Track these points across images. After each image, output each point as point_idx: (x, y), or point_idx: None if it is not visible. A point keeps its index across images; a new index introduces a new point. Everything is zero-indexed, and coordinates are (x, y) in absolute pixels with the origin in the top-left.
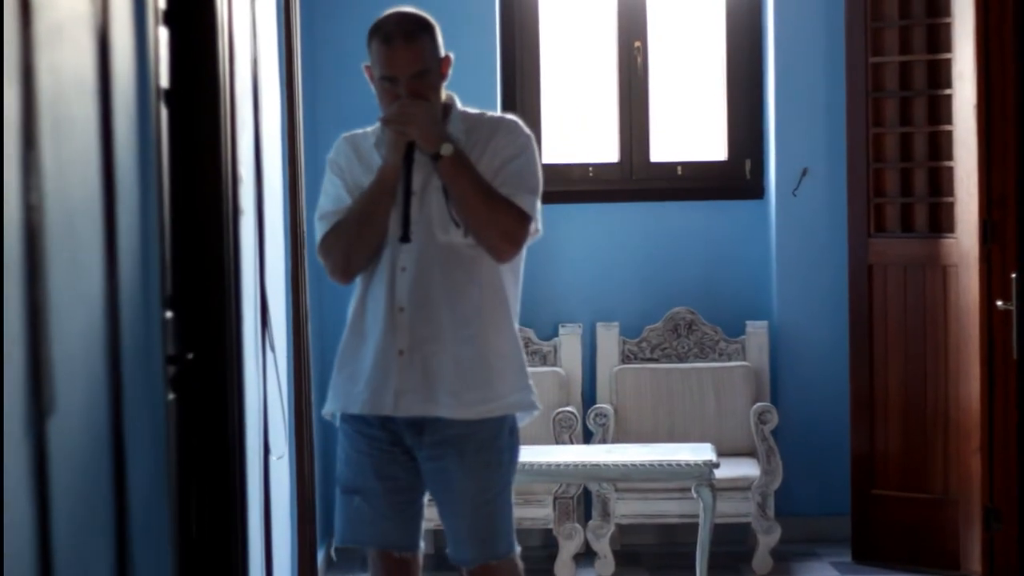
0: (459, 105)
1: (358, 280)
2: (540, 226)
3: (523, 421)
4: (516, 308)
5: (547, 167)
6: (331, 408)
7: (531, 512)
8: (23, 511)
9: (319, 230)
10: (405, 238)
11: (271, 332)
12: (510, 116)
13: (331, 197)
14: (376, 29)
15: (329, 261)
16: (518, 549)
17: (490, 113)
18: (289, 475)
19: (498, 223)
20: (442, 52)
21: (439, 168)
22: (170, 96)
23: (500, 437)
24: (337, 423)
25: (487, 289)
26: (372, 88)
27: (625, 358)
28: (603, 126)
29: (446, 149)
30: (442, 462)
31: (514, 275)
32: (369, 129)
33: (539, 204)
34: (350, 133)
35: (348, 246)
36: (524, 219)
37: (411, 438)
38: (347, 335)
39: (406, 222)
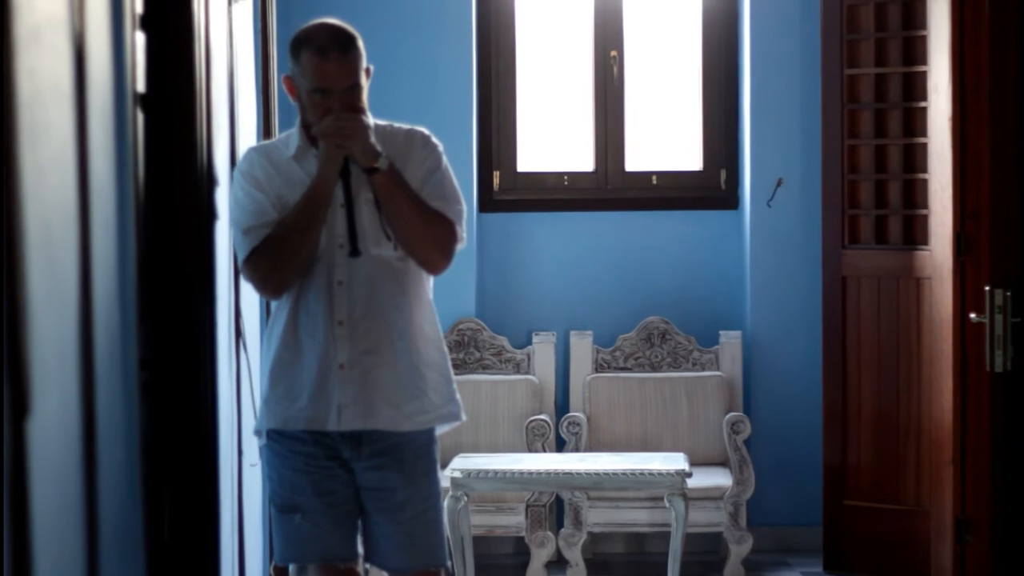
0: (370, 117)
1: (285, 294)
2: (465, 234)
3: (443, 430)
4: (437, 317)
5: (522, 175)
6: (267, 426)
7: (503, 520)
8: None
9: (245, 245)
10: (355, 252)
11: (244, 337)
12: (420, 128)
13: (252, 211)
14: (305, 40)
15: (260, 276)
16: (449, 565)
17: (397, 124)
18: (262, 483)
19: (432, 236)
20: (365, 63)
21: (375, 182)
22: (146, 101)
23: (432, 444)
24: (263, 441)
25: (415, 300)
26: (291, 99)
27: (598, 367)
28: (578, 135)
29: (382, 163)
30: (383, 472)
31: (430, 285)
32: (277, 140)
33: (464, 214)
34: (259, 144)
35: (284, 261)
36: (454, 231)
37: (348, 451)
38: (279, 350)
39: (353, 236)
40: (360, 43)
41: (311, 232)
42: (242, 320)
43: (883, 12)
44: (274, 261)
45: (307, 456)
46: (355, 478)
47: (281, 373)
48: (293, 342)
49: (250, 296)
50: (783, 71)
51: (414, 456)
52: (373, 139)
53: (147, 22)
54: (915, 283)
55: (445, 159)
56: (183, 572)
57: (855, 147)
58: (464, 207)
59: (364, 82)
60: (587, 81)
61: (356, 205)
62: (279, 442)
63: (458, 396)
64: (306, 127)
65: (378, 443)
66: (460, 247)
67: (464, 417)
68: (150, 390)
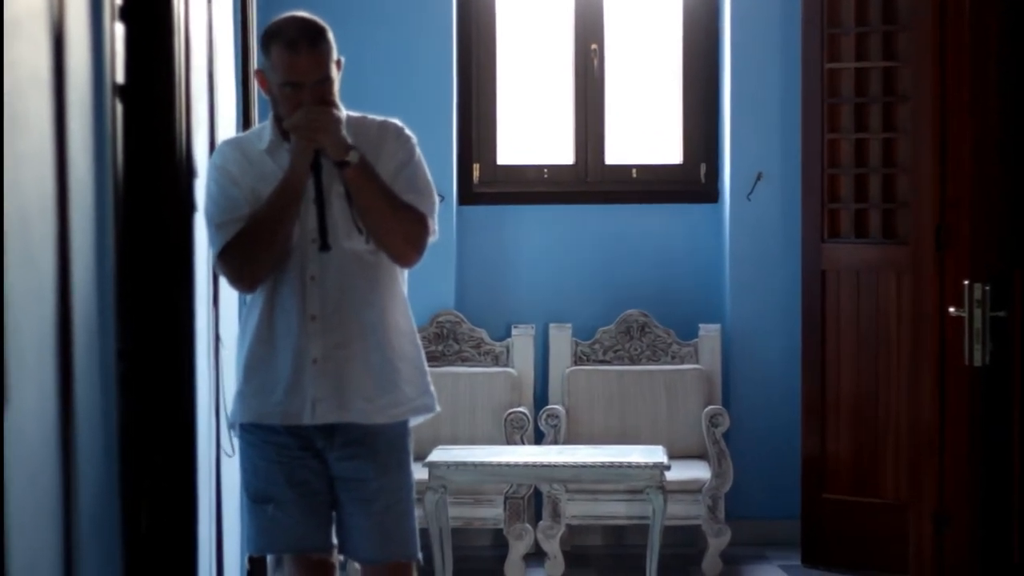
0: (343, 109)
1: (260, 288)
2: (436, 227)
3: (417, 421)
4: (410, 309)
5: (503, 167)
6: (242, 419)
7: (481, 512)
8: None
9: (218, 239)
10: (325, 246)
11: (222, 329)
12: (393, 120)
13: (225, 206)
14: (275, 34)
15: (233, 270)
16: (419, 558)
17: (371, 116)
18: (240, 474)
19: (403, 230)
20: (335, 55)
21: (346, 175)
22: (125, 92)
23: (405, 436)
24: (236, 432)
25: (388, 294)
26: (264, 94)
27: (578, 359)
28: (559, 128)
29: (353, 156)
30: (355, 461)
31: (404, 278)
32: (250, 133)
33: (437, 207)
34: (233, 137)
35: (257, 255)
36: (426, 224)
37: (321, 441)
38: (253, 344)
39: (323, 230)
40: (330, 36)
41: (283, 226)
42: (220, 311)
43: (864, 6)
44: (247, 255)
45: (280, 446)
46: (328, 468)
47: (255, 367)
48: (267, 336)
49: (228, 287)
50: (763, 65)
51: (387, 447)
52: (344, 132)
53: (127, 13)
54: (894, 277)
55: (418, 151)
56: (160, 563)
57: (835, 141)
58: (437, 200)
59: (335, 75)
60: (567, 74)
61: (327, 199)
62: (253, 432)
63: (432, 388)
64: (279, 120)
65: (351, 433)
66: (432, 240)
67: (438, 409)
68: (128, 381)
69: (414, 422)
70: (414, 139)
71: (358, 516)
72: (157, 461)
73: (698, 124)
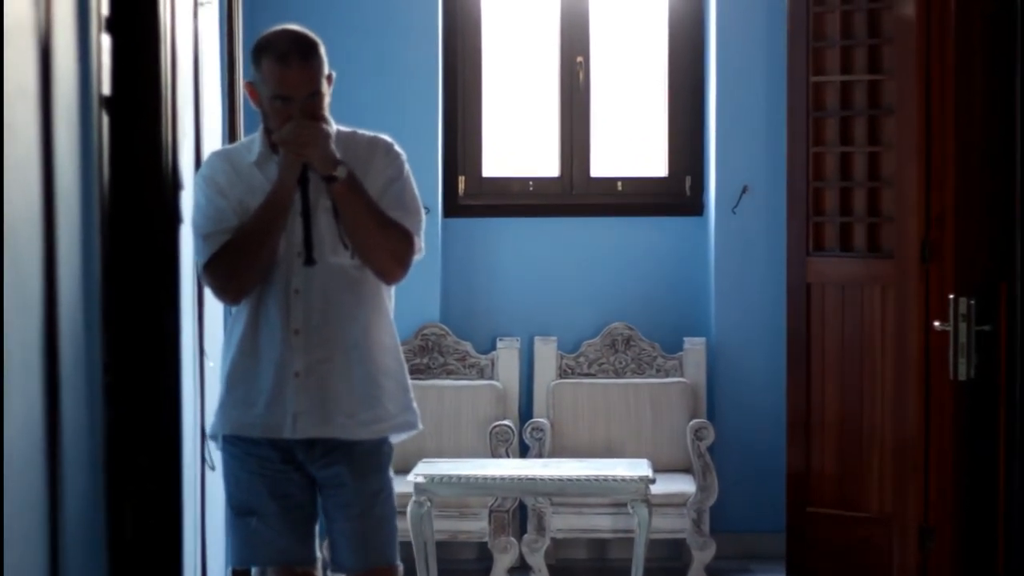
0: (333, 124)
1: (245, 300)
2: (423, 244)
3: (399, 439)
4: (394, 326)
5: (488, 180)
6: (223, 431)
7: (466, 525)
8: None
9: (205, 250)
10: (309, 260)
11: (207, 342)
12: (384, 136)
13: (213, 217)
14: (266, 47)
15: (219, 282)
16: (400, 565)
17: (361, 131)
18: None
19: (389, 246)
20: (327, 70)
21: (333, 190)
22: (112, 103)
23: (385, 444)
24: (219, 444)
25: (372, 309)
26: (253, 105)
27: (562, 373)
28: (544, 140)
29: (341, 172)
30: (335, 467)
31: (390, 293)
32: (240, 144)
33: (423, 225)
34: (222, 149)
35: (243, 268)
36: (412, 241)
37: (303, 453)
38: (236, 356)
39: (309, 244)
40: (322, 50)
41: (270, 239)
42: (205, 323)
43: (849, 20)
44: (233, 267)
45: (262, 459)
46: (312, 479)
47: (238, 378)
48: (251, 348)
49: (214, 299)
50: (749, 78)
51: (365, 452)
52: (332, 147)
53: (113, 24)
54: (879, 290)
55: (407, 168)
56: (145, 574)
57: (820, 154)
58: (424, 218)
59: (325, 89)
60: (553, 87)
61: (314, 213)
62: (235, 445)
63: (415, 405)
64: (269, 133)
65: (331, 443)
66: (418, 258)
67: (421, 427)
68: (114, 393)
69: (396, 439)
70: (403, 156)
71: (339, 522)
72: (142, 472)
73: (683, 137)
